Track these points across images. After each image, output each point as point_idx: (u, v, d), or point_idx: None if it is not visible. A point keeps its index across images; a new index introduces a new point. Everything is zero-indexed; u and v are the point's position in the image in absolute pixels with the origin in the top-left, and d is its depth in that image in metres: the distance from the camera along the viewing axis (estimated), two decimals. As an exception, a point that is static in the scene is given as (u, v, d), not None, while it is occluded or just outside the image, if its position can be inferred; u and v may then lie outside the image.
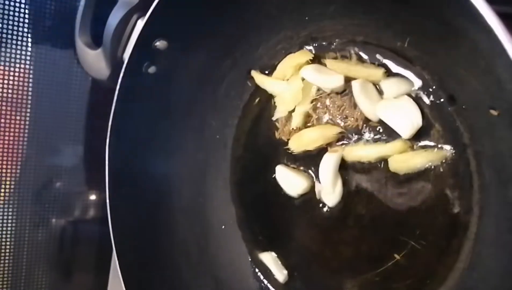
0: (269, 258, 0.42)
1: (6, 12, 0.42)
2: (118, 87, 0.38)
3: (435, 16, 0.27)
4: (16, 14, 0.43)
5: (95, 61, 0.42)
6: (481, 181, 0.30)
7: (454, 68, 0.29)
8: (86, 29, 0.43)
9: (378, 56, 0.35)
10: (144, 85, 0.40)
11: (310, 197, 0.39)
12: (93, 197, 0.50)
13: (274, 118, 0.41)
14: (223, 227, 0.45)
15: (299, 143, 0.39)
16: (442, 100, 0.32)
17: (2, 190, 0.43)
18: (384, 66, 0.35)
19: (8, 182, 0.43)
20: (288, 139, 0.40)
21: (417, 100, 0.33)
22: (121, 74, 0.38)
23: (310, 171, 0.39)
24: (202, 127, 0.45)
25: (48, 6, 0.44)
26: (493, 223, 0.29)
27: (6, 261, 0.43)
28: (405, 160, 0.33)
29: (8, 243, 0.44)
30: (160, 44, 0.38)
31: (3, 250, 0.43)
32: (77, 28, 0.44)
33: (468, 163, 0.31)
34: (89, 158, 0.49)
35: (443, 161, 0.32)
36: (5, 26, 0.42)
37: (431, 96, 0.32)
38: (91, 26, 0.43)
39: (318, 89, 0.38)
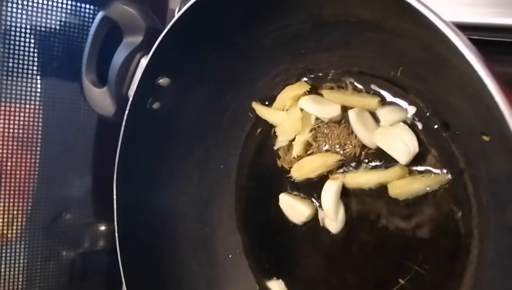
0: (276, 286, 0.42)
1: (16, 53, 0.45)
2: (124, 122, 0.40)
3: (423, 46, 0.28)
4: (26, 55, 0.45)
5: (101, 99, 0.44)
6: (479, 205, 0.30)
7: (446, 96, 0.30)
8: (92, 69, 0.45)
9: (373, 85, 0.36)
10: (149, 120, 0.41)
11: (314, 225, 0.39)
12: (102, 227, 0.51)
13: (275, 148, 0.42)
14: (230, 256, 0.45)
15: (300, 171, 0.40)
16: (436, 126, 0.33)
17: (14, 227, 0.44)
18: (379, 95, 0.36)
19: (20, 218, 0.44)
20: (290, 168, 0.41)
21: (413, 126, 0.34)
22: (127, 110, 0.39)
23: (313, 198, 0.40)
24: (206, 158, 0.46)
25: (56, 47, 0.46)
26: (494, 246, 0.29)
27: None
28: (404, 186, 0.34)
29: (20, 277, 0.45)
30: (163, 81, 0.40)
31: (15, 284, 0.44)
32: (83, 67, 0.46)
33: (465, 187, 0.31)
34: (98, 190, 0.50)
35: (441, 185, 0.32)
36: (15, 66, 0.45)
37: (426, 123, 0.33)
38: (96, 66, 0.45)
39: (317, 119, 0.39)
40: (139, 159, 0.41)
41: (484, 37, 0.32)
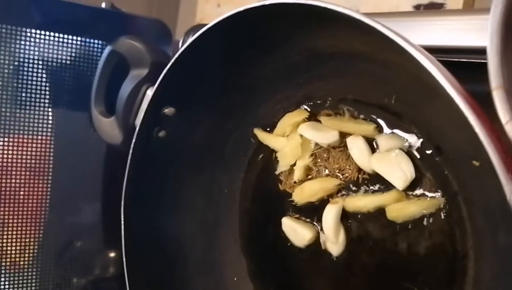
0: (280, 309, 0.43)
1: (28, 86, 0.47)
2: (131, 151, 0.41)
3: (412, 76, 0.29)
4: (38, 88, 0.47)
5: (109, 128, 0.46)
6: (473, 227, 0.31)
7: (437, 122, 0.32)
8: (101, 99, 0.47)
9: (368, 112, 0.37)
10: (155, 147, 0.43)
11: (316, 248, 0.40)
12: (112, 254, 0.52)
13: (277, 172, 0.43)
14: (235, 279, 0.46)
15: (302, 195, 0.41)
16: (430, 151, 0.34)
17: (27, 254, 0.45)
18: (375, 121, 0.37)
19: (32, 246, 0.46)
20: (292, 192, 0.42)
21: (408, 151, 0.35)
22: (134, 139, 0.41)
23: (314, 222, 0.41)
24: (211, 183, 0.47)
25: (67, 80, 0.49)
26: (489, 267, 0.30)
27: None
28: (400, 209, 0.35)
29: None
30: (168, 110, 0.42)
31: None
32: (92, 98, 0.48)
33: (460, 210, 0.32)
34: (107, 217, 0.51)
35: (437, 208, 0.33)
36: (28, 99, 0.47)
37: (421, 148, 0.35)
38: (105, 97, 0.47)
39: (316, 144, 0.40)
40: (146, 186, 0.43)
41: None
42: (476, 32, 0.34)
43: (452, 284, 0.33)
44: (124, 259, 0.41)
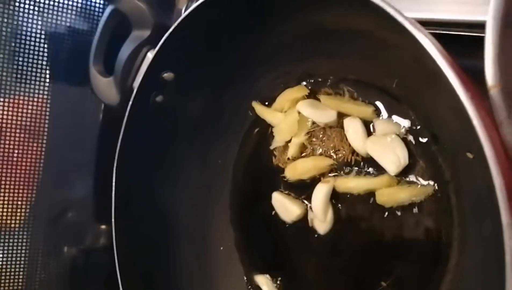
0: (263, 280, 0.43)
1: (27, 47, 0.45)
2: (127, 113, 0.41)
3: (415, 59, 0.29)
4: (36, 49, 0.46)
5: (106, 88, 0.45)
6: (460, 217, 0.32)
7: (436, 110, 0.31)
8: (100, 59, 0.46)
9: (368, 94, 0.37)
10: (151, 112, 0.42)
11: (303, 224, 0.41)
12: (104, 226, 0.52)
13: (272, 147, 0.43)
14: (221, 248, 0.47)
15: (294, 172, 0.41)
16: (426, 139, 0.34)
17: (18, 217, 0.45)
18: (374, 104, 0.37)
19: (23, 207, 0.45)
20: (285, 167, 0.42)
21: (404, 137, 0.35)
22: (131, 102, 0.41)
23: (304, 199, 0.41)
24: (206, 152, 0.47)
25: (66, 41, 0.47)
26: (471, 256, 0.31)
27: (20, 287, 0.45)
28: (391, 194, 0.35)
29: (21, 268, 0.45)
30: (167, 75, 0.41)
31: (16, 276, 0.45)
32: (91, 57, 0.47)
33: (449, 199, 0.33)
34: (101, 188, 0.50)
35: (426, 196, 0.34)
36: (25, 60, 0.45)
37: (417, 135, 0.35)
38: (104, 57, 0.46)
39: (313, 123, 0.40)
40: (140, 151, 0.43)
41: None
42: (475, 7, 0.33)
43: (433, 271, 0.33)
44: (113, 226, 0.41)
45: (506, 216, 0.21)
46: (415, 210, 0.34)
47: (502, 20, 0.21)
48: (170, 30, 0.38)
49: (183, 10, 0.51)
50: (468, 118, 0.22)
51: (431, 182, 0.34)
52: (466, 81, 0.22)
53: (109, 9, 0.45)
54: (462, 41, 0.34)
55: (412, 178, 0.35)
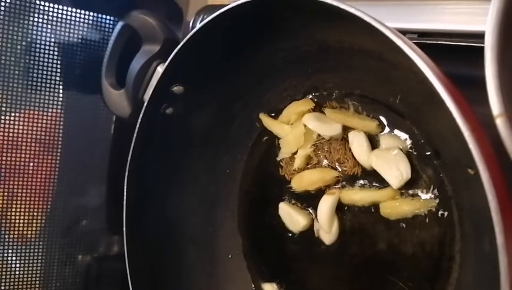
0: (270, 288, 0.44)
1: (41, 62, 0.47)
2: (138, 125, 0.42)
3: (418, 79, 0.30)
4: (50, 63, 0.47)
5: (118, 100, 0.47)
6: (462, 232, 0.32)
7: (437, 126, 0.32)
8: (112, 72, 0.48)
9: (373, 109, 0.38)
10: (162, 123, 0.43)
11: (309, 235, 0.42)
12: (116, 234, 0.53)
13: (278, 158, 0.44)
14: (230, 256, 0.48)
15: (300, 183, 0.42)
16: (429, 153, 0.35)
17: (34, 227, 0.47)
18: (378, 119, 0.38)
19: (39, 218, 0.47)
20: (291, 178, 0.43)
21: (407, 151, 0.36)
22: (141, 114, 0.42)
23: (310, 210, 0.42)
24: (214, 161, 0.48)
25: (78, 56, 0.49)
26: (472, 271, 0.31)
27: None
28: (394, 207, 0.36)
29: (37, 278, 0.47)
30: (177, 88, 0.42)
31: (33, 285, 0.46)
32: (103, 70, 0.48)
33: (451, 214, 0.33)
34: (114, 197, 0.51)
35: (429, 210, 0.34)
36: (40, 74, 0.47)
37: (420, 149, 0.35)
38: (116, 70, 0.48)
39: (319, 135, 0.41)
40: (150, 161, 0.44)
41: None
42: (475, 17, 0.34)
43: (435, 284, 0.34)
44: (124, 231, 0.42)
45: (501, 237, 0.22)
46: (419, 223, 0.35)
47: (500, 47, 0.22)
48: (180, 45, 0.39)
49: (191, 23, 0.52)
50: (465, 141, 0.23)
51: (434, 196, 0.34)
52: (465, 107, 0.23)
53: (120, 24, 0.46)
54: (464, 50, 0.35)
55: (415, 191, 0.35)
